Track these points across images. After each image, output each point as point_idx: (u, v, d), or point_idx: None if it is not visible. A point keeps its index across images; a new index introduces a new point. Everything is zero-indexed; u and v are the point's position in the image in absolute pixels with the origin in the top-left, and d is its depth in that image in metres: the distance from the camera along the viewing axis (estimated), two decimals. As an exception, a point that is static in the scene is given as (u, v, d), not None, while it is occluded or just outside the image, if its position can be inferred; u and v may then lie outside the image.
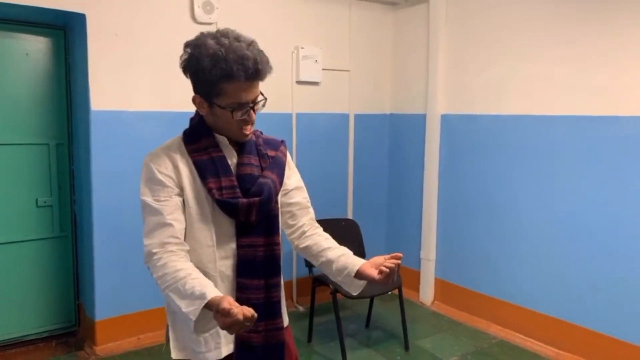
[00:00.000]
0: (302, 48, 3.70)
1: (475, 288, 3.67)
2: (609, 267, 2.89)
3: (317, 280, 3.21)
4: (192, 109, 3.61)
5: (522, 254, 3.35)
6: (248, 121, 1.38)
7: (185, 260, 1.33)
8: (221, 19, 3.30)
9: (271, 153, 1.50)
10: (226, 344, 1.43)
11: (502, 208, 3.46)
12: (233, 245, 1.41)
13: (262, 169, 1.46)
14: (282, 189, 1.53)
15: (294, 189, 1.56)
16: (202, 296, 1.18)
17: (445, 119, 3.82)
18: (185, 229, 1.38)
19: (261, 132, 1.56)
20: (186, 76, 1.41)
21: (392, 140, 4.32)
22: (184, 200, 1.38)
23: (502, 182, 3.45)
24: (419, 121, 3.99)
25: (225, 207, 1.37)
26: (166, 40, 3.14)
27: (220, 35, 1.33)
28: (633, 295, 2.79)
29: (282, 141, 1.58)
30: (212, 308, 1.16)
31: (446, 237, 3.87)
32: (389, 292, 3.27)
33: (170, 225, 1.33)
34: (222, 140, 1.43)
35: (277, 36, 3.60)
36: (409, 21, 4.08)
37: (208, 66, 1.29)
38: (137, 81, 3.09)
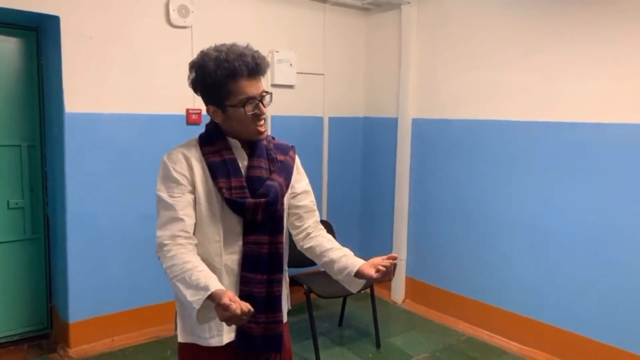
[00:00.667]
0: (277, 52, 3.75)
1: (445, 287, 3.79)
2: (570, 266, 3.04)
3: (291, 281, 3.27)
4: (167, 111, 3.63)
5: (489, 254, 3.48)
6: (259, 115, 1.49)
7: (193, 254, 1.43)
8: (196, 23, 3.33)
9: (280, 157, 1.61)
10: (228, 332, 1.54)
11: (470, 210, 3.59)
12: (239, 242, 1.52)
13: (271, 172, 1.56)
14: (291, 192, 1.64)
15: (302, 192, 1.67)
16: (205, 288, 1.30)
17: (417, 123, 3.93)
18: (195, 224, 1.48)
19: (273, 138, 1.67)
20: (197, 93, 1.52)
21: (365, 143, 4.41)
22: (195, 198, 1.48)
23: (471, 185, 3.58)
24: (391, 125, 4.10)
25: (234, 205, 1.48)
26: (141, 43, 3.16)
27: (218, 46, 1.47)
28: (592, 293, 2.94)
29: (292, 146, 1.68)
30: (214, 300, 1.28)
31: (417, 237, 3.99)
32: (362, 291, 3.35)
33: (182, 220, 1.44)
34: (235, 143, 1.54)
35: (252, 40, 3.56)
36: (382, 27, 4.18)
37: (213, 68, 1.42)
38: (112, 84, 3.10)
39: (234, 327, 1.51)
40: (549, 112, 3.10)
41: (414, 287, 4.03)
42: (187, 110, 3.35)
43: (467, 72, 3.56)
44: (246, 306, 1.25)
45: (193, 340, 1.54)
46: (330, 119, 4.17)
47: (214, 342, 1.53)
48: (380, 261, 1.47)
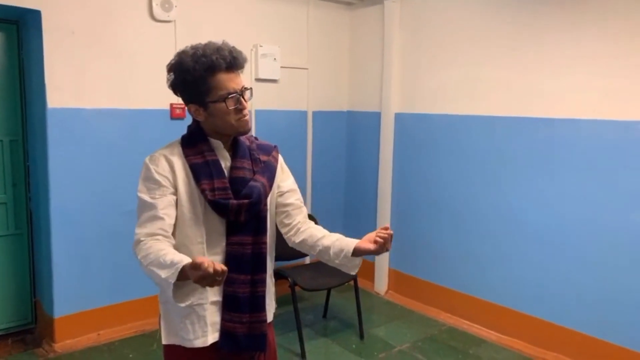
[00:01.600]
0: (261, 46, 3.76)
1: (427, 278, 3.87)
2: (549, 257, 3.14)
3: (275, 274, 3.31)
4: (152, 106, 3.62)
5: (470, 247, 3.57)
6: (241, 109, 1.48)
7: (169, 245, 1.43)
8: (180, 17, 3.32)
9: (263, 158, 1.61)
10: (212, 333, 1.53)
11: (452, 203, 3.67)
12: (223, 243, 1.52)
13: (254, 173, 1.56)
14: (278, 191, 1.65)
15: (289, 191, 1.68)
16: (179, 261, 1.30)
17: (399, 117, 3.98)
18: (177, 226, 1.49)
19: (256, 138, 1.67)
20: (177, 94, 1.52)
21: (349, 137, 4.46)
22: (177, 200, 1.48)
23: (452, 178, 3.66)
24: (375, 119, 4.15)
25: (217, 207, 1.48)
26: (124, 38, 3.15)
27: (194, 45, 1.48)
28: (567, 282, 3.05)
29: (275, 146, 1.69)
30: (187, 269, 1.25)
31: (400, 230, 4.05)
32: (346, 283, 3.41)
33: (161, 218, 1.44)
34: (217, 144, 1.54)
35: (236, 34, 3.62)
36: (365, 22, 4.21)
37: (191, 64, 1.42)
38: (95, 78, 3.08)
39: (217, 328, 1.52)
40: (527, 108, 3.18)
41: (396, 279, 4.11)
42: (171, 104, 3.36)
43: (448, 68, 3.61)
44: (219, 266, 1.20)
45: (177, 341, 1.54)
46: (314, 113, 4.21)
47: (198, 343, 1.52)
48: (375, 235, 1.48)
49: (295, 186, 1.72)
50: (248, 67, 3.73)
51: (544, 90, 3.09)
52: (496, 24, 3.30)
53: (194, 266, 1.21)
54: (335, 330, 3.55)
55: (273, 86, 3.92)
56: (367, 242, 1.51)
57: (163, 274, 1.31)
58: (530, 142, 3.18)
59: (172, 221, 1.47)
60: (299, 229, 1.67)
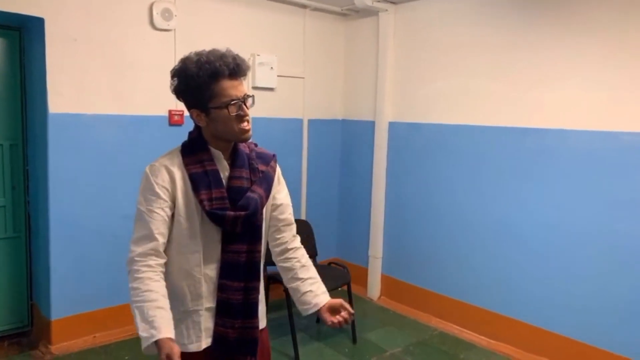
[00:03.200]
0: (259, 55, 3.84)
1: (419, 284, 3.94)
2: (537, 264, 3.22)
3: (270, 279, 3.37)
4: (150, 112, 3.68)
5: (460, 252, 3.65)
6: (243, 116, 1.50)
7: (159, 281, 1.48)
8: (180, 26, 3.40)
9: (262, 167, 1.63)
10: (206, 338, 1.57)
11: (443, 210, 3.75)
12: (218, 251, 1.55)
13: (252, 182, 1.59)
14: (272, 203, 1.68)
15: (282, 204, 1.72)
16: (157, 332, 1.37)
17: (393, 126, 4.07)
18: (174, 236, 1.53)
19: (255, 145, 1.69)
20: (179, 98, 1.55)
21: (343, 145, 4.54)
22: (175, 211, 1.52)
23: (443, 186, 3.74)
24: (369, 128, 4.23)
25: (213, 218, 1.51)
26: (126, 45, 3.22)
27: (198, 51, 1.51)
28: (555, 288, 3.12)
29: (274, 155, 1.71)
30: (157, 346, 1.37)
31: (392, 236, 4.13)
32: (339, 288, 3.47)
33: (155, 239, 1.48)
34: (217, 154, 1.57)
35: (234, 43, 3.64)
36: (360, 32, 4.31)
37: (195, 71, 1.45)
38: (96, 85, 3.15)
39: (211, 333, 1.57)
40: (516, 118, 3.27)
41: (389, 285, 4.17)
42: (170, 111, 3.43)
43: (440, 78, 3.71)
44: None
45: None
46: (310, 121, 4.28)
47: (193, 347, 1.56)
48: (339, 306, 1.61)
49: (288, 199, 1.76)
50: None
51: (533, 102, 3.18)
52: (488, 37, 3.40)
53: (167, 356, 1.32)
54: (329, 334, 3.60)
55: (270, 94, 3.99)
56: (328, 313, 1.62)
57: (140, 328, 1.40)
58: (519, 151, 3.27)
59: (165, 239, 1.51)
60: (286, 249, 1.72)
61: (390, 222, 4.14)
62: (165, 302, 1.45)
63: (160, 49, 3.34)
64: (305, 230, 3.78)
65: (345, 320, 1.60)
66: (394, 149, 4.08)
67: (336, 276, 3.50)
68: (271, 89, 3.99)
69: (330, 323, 1.59)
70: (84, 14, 3.05)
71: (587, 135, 2.95)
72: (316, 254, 3.76)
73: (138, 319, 1.41)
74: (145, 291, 1.44)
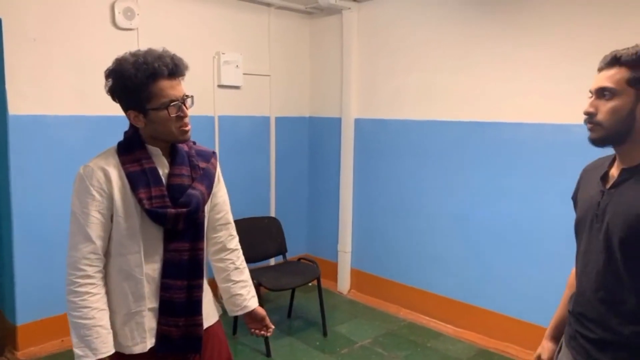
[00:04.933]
0: (224, 54, 3.85)
1: (387, 276, 4.04)
2: (498, 254, 3.35)
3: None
4: (114, 112, 3.61)
5: (426, 245, 3.76)
6: (183, 117, 1.48)
7: (98, 290, 1.47)
8: (142, 25, 3.37)
9: (202, 165, 1.62)
10: (150, 338, 1.56)
11: (410, 204, 3.85)
12: (160, 250, 1.54)
13: (193, 180, 1.57)
14: (210, 201, 1.67)
15: (219, 203, 1.72)
16: (92, 353, 1.42)
17: (359, 122, 4.14)
18: (114, 237, 1.50)
19: (194, 143, 1.67)
20: (115, 99, 1.51)
21: (311, 142, 4.59)
22: (112, 213, 1.48)
23: (409, 181, 3.84)
24: (335, 124, 4.30)
25: (154, 216, 1.48)
26: (87, 45, 3.17)
27: (134, 51, 1.49)
28: (520, 278, 3.26)
29: (214, 152, 1.70)
30: None
31: (361, 231, 4.21)
32: (309, 284, 3.52)
33: (93, 242, 1.46)
34: (155, 151, 1.54)
35: (198, 42, 3.72)
36: (325, 30, 4.36)
37: (132, 72, 1.42)
38: (58, 85, 3.10)
39: (154, 333, 1.56)
40: (476, 113, 3.39)
41: (358, 278, 4.26)
42: (135, 111, 3.39)
43: (403, 74, 3.80)
44: None
45: (117, 349, 1.53)
46: (277, 118, 4.31)
47: (138, 349, 1.54)
48: (261, 320, 1.78)
49: (227, 197, 1.76)
50: (210, 74, 3.83)
51: (491, 95, 3.31)
52: (448, 33, 3.51)
53: None
54: (300, 328, 3.66)
55: (236, 92, 4.00)
56: (251, 322, 1.80)
57: (75, 343, 1.43)
58: (478, 145, 3.39)
59: (104, 242, 1.49)
60: (221, 249, 1.75)
61: (359, 217, 4.22)
62: (102, 316, 1.46)
63: (123, 49, 3.20)
64: (274, 228, 3.82)
65: (263, 335, 1.80)
66: (360, 145, 4.15)
67: (306, 272, 3.55)
68: (237, 87, 4.00)
69: (251, 331, 1.79)
70: (43, 12, 2.99)
71: (541, 127, 3.08)
72: (286, 251, 3.80)
73: (73, 333, 1.43)
74: (83, 307, 1.43)
